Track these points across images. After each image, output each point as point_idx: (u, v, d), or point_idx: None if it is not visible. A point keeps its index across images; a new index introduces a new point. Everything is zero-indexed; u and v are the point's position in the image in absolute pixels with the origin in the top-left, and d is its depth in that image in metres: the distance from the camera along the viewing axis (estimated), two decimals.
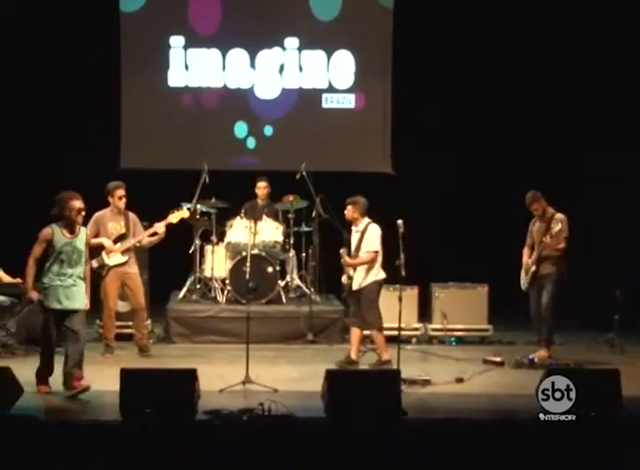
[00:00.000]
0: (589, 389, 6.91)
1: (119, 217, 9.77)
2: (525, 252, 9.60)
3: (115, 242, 9.71)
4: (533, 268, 9.41)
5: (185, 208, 10.16)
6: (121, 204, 9.71)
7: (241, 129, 12.84)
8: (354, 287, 9.10)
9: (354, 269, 9.06)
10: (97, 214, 9.73)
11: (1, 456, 6.24)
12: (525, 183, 9.91)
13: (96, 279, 10.34)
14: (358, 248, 9.10)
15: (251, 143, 12.85)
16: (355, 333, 9.18)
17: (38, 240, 8.04)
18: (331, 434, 6.71)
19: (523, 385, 8.16)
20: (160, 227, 9.74)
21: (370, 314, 9.06)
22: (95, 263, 9.67)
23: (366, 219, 9.18)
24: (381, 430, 6.72)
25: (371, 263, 9.03)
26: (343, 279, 9.21)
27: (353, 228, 9.24)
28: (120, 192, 9.69)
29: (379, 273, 9.08)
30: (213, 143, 12.68)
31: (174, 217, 9.91)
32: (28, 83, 12.35)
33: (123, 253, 9.70)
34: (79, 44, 12.27)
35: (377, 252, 9.02)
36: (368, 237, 9.07)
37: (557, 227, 9.27)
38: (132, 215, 9.84)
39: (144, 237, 9.78)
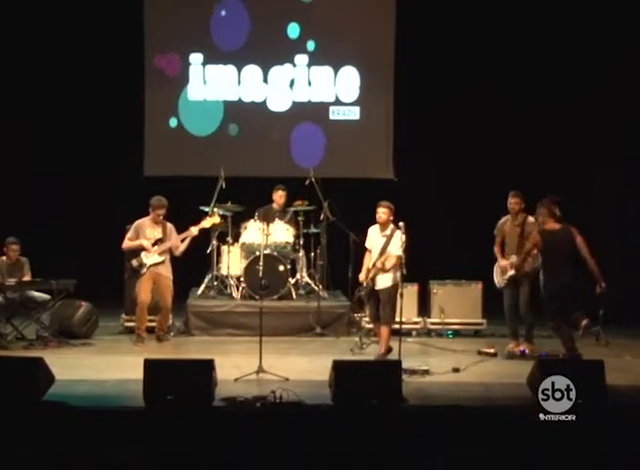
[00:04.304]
0: (576, 378, 6.81)
1: (157, 225, 10.03)
2: (498, 251, 9.41)
3: (153, 245, 9.93)
4: (512, 272, 9.19)
5: (217, 214, 10.51)
6: (159, 219, 9.98)
7: (255, 139, 12.83)
8: (378, 287, 8.88)
9: (383, 271, 8.83)
10: (137, 222, 10.05)
11: (34, 440, 6.24)
12: (514, 187, 9.88)
13: (121, 277, 10.46)
14: (384, 251, 8.88)
15: (263, 151, 12.83)
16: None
17: None
18: (337, 420, 6.70)
19: (514, 374, 8.15)
20: (194, 230, 10.05)
21: (389, 310, 8.86)
22: (135, 262, 9.93)
23: (391, 225, 8.97)
24: (383, 416, 6.71)
25: (395, 267, 8.80)
26: (365, 280, 8.94)
27: (379, 232, 8.98)
28: (161, 211, 9.96)
29: (398, 275, 8.79)
30: (230, 151, 12.67)
31: (207, 223, 10.27)
32: (57, 94, 12.36)
33: (160, 254, 9.89)
34: (107, 59, 12.30)
35: (400, 256, 8.69)
36: (395, 242, 8.82)
37: (529, 230, 9.16)
38: (169, 225, 10.10)
39: (178, 243, 9.99)
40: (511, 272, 9.26)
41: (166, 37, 12.64)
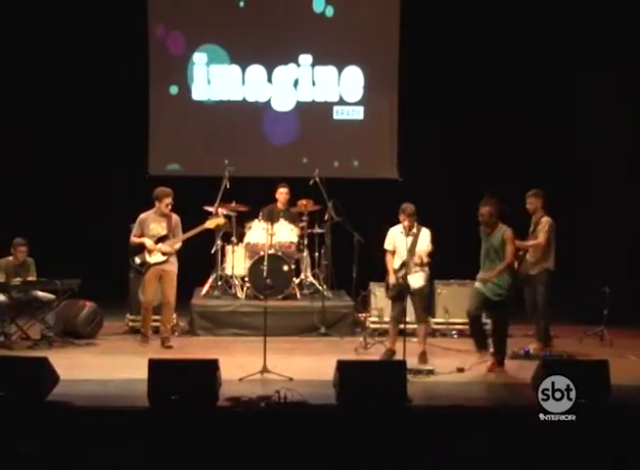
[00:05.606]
0: (580, 378, 6.80)
1: (162, 219, 9.77)
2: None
3: (157, 242, 9.73)
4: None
5: (222, 215, 10.28)
6: (167, 210, 9.74)
7: (259, 139, 12.84)
8: (413, 286, 8.82)
9: (420, 266, 8.80)
10: (141, 217, 9.81)
11: (39, 440, 6.25)
12: (519, 188, 9.88)
13: (126, 277, 10.46)
14: (412, 250, 8.84)
15: (268, 151, 12.84)
16: (397, 328, 8.97)
17: None
18: (342, 420, 6.70)
19: (518, 374, 8.15)
20: (196, 231, 9.83)
21: (424, 308, 8.95)
22: (138, 260, 9.77)
23: (415, 223, 9.00)
24: (387, 416, 6.71)
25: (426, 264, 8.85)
26: (394, 280, 8.86)
27: (404, 232, 8.90)
28: (168, 200, 9.71)
29: (428, 272, 8.94)
30: (234, 151, 12.67)
31: (211, 223, 10.01)
32: (66, 97, 12.39)
33: (164, 253, 9.72)
34: (112, 61, 12.32)
35: (431, 251, 8.84)
36: (424, 239, 8.90)
37: (539, 228, 9.31)
38: (175, 217, 9.83)
39: (179, 242, 9.77)
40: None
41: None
